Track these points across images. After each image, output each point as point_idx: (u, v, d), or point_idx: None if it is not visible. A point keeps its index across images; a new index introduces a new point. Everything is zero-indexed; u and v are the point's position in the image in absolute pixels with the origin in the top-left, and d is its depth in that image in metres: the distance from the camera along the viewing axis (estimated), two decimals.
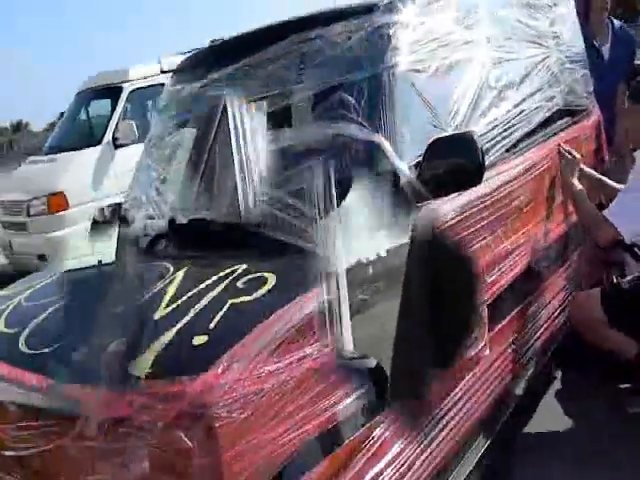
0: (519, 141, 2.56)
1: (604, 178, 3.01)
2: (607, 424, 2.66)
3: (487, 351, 2.17)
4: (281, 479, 1.50)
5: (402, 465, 1.80)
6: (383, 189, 1.91)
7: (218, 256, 1.97)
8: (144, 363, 1.52)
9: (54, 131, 7.88)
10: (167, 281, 1.87)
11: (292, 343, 1.55)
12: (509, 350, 2.39)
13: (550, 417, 2.76)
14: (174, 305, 1.73)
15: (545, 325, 2.71)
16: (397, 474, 1.78)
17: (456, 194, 2.01)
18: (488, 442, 2.22)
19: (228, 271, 1.80)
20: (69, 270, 2.41)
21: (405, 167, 1.93)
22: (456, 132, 2.03)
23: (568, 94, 3.08)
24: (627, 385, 2.83)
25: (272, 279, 1.71)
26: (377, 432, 1.73)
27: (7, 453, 1.68)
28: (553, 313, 2.78)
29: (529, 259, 2.50)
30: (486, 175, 2.23)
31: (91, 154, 6.46)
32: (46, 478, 1.65)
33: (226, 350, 1.48)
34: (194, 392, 1.41)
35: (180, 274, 1.90)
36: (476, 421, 2.13)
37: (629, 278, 2.88)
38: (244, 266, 1.82)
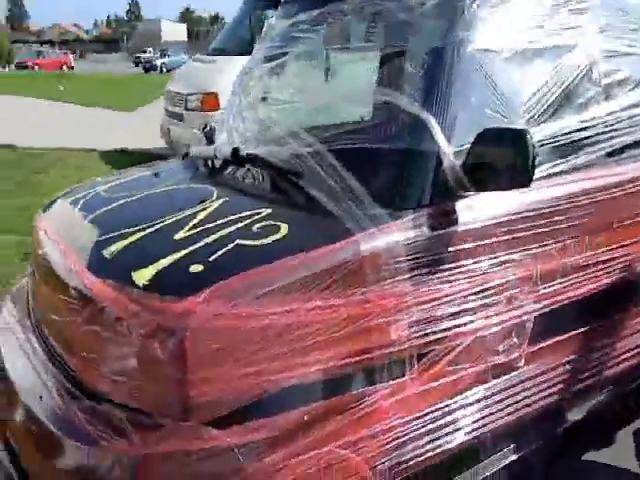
0: (623, 149, 2.37)
1: None
2: None
3: (521, 362, 2.10)
4: (246, 416, 1.60)
5: (386, 442, 1.79)
6: (421, 168, 1.90)
7: (256, 195, 2.08)
8: (146, 275, 1.69)
9: (220, 34, 8.25)
10: (203, 206, 2.01)
11: (282, 295, 1.61)
12: (557, 370, 2.21)
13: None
14: (195, 230, 1.86)
15: (618, 361, 2.47)
16: (381, 448, 1.78)
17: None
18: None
19: (253, 212, 1.89)
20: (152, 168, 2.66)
21: (450, 151, 1.87)
22: (509, 126, 1.92)
23: None
24: None
25: (285, 230, 1.78)
26: (368, 400, 1.74)
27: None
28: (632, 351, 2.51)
29: (606, 283, 2.28)
30: (566, 178, 2.18)
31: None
32: (67, 344, 1.90)
33: (213, 283, 1.60)
34: (175, 311, 1.55)
35: (216, 204, 2.01)
36: (494, 429, 2.03)
37: None
38: (269, 211, 1.90)
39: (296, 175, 1.99)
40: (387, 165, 1.95)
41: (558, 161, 2.14)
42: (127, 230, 1.92)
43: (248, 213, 1.89)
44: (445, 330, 1.86)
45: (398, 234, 1.79)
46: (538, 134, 2.07)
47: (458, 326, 1.89)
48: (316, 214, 1.86)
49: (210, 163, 2.37)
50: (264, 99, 2.44)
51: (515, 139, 1.81)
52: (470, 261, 1.90)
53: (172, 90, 7.57)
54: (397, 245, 1.78)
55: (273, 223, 1.82)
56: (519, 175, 1.82)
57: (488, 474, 2.10)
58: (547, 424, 2.26)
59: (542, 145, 2.10)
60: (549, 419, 2.26)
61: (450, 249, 1.87)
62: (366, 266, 1.72)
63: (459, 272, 1.88)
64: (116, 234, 1.91)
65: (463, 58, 1.94)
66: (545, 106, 2.10)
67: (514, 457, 2.18)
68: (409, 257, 1.80)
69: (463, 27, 1.94)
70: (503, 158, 1.82)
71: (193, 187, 2.26)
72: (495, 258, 1.96)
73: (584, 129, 2.19)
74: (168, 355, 1.55)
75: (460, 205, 1.90)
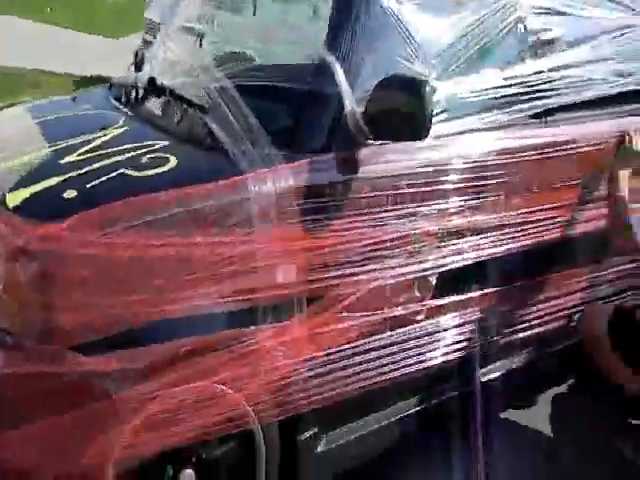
0: (551, 111, 2.34)
1: None
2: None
3: (421, 317, 2.10)
4: (116, 344, 1.61)
5: (269, 381, 1.80)
6: (321, 112, 1.89)
7: (160, 126, 2.08)
8: (18, 197, 1.71)
9: None
10: (104, 133, 2.02)
11: (156, 228, 1.62)
12: (465, 327, 2.21)
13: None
14: (84, 156, 1.87)
15: (536, 323, 2.44)
16: (264, 387, 1.80)
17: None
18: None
19: (149, 143, 1.90)
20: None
21: (352, 97, 1.86)
22: (409, 74, 1.90)
23: None
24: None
25: (173, 163, 1.79)
26: (249, 339, 1.76)
27: None
28: (552, 314, 2.47)
29: (523, 245, 2.26)
30: (484, 135, 2.16)
31: None
32: None
33: (82, 210, 1.61)
34: (37, 235, 1.57)
35: (116, 131, 2.03)
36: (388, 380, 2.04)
37: None
38: (165, 143, 1.91)
39: (201, 109, 1.98)
40: (288, 106, 1.95)
41: (475, 117, 2.12)
42: (20, 150, 1.94)
43: (144, 143, 1.90)
44: (337, 277, 1.88)
45: (292, 177, 1.80)
46: (453, 87, 2.06)
47: (352, 275, 1.90)
48: (211, 150, 1.86)
49: (129, 92, 2.35)
50: (187, 28, 2.42)
51: (414, 88, 1.80)
52: (369, 211, 1.91)
53: (147, 17, 7.30)
54: (290, 188, 1.79)
55: (163, 155, 1.83)
56: (416, 127, 1.82)
57: (385, 423, 2.14)
58: (455, 379, 2.29)
59: (460, 99, 2.10)
60: (456, 375, 2.28)
61: (348, 197, 1.88)
62: (252, 206, 1.73)
63: (356, 221, 1.89)
64: (9, 154, 1.93)
65: (373, 1, 1.92)
66: (463, 59, 2.08)
67: (416, 409, 2.22)
68: (302, 201, 1.81)
69: None
70: (401, 107, 1.81)
71: (102, 113, 2.26)
72: (397, 210, 1.96)
73: (506, 87, 2.16)
74: (29, 278, 1.58)
75: (362, 153, 1.90)
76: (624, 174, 2.42)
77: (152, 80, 2.20)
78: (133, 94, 2.31)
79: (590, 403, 2.66)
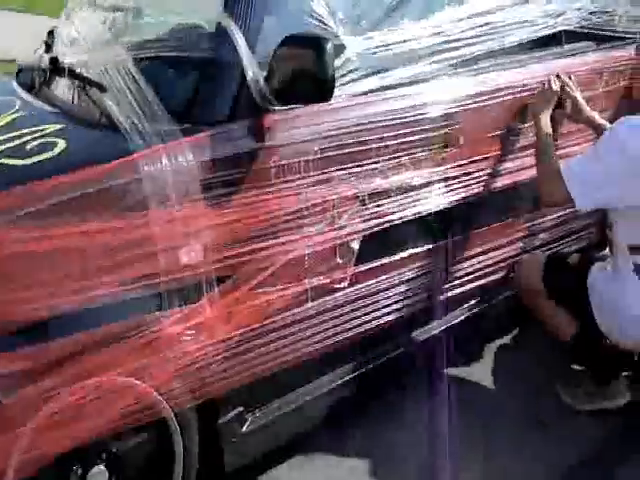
0: (478, 58, 2.21)
1: (597, 117, 2.52)
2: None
3: (345, 284, 2.01)
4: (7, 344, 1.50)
5: (180, 368, 1.70)
6: (221, 80, 1.75)
7: (58, 108, 1.94)
8: None
9: None
10: None
11: (40, 218, 1.49)
12: (395, 290, 2.14)
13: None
14: None
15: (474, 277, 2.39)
16: (175, 374, 1.71)
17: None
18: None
19: (39, 128, 1.75)
20: None
21: (253, 63, 1.71)
22: (310, 33, 1.76)
23: (596, 14, 2.59)
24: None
25: (61, 148, 1.65)
26: (153, 326, 1.64)
27: None
28: (480, 269, 2.41)
29: (453, 201, 2.18)
30: (402, 90, 2.02)
31: None
32: None
33: None
34: None
35: (10, 117, 1.87)
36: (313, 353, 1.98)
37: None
38: (58, 127, 1.76)
39: (99, 88, 1.84)
40: (188, 77, 1.81)
41: (394, 72, 2.00)
42: None
43: (34, 129, 1.75)
44: (249, 253, 1.78)
45: (191, 152, 1.67)
46: (367, 43, 1.93)
47: (265, 248, 1.80)
48: (106, 131, 1.72)
49: (34, 75, 2.18)
50: (92, 2, 2.23)
51: (313, 46, 1.66)
52: (280, 181, 1.80)
53: None
54: (188, 164, 1.66)
55: (53, 140, 1.69)
56: (319, 87, 1.69)
57: (316, 395, 2.08)
58: (390, 343, 2.23)
59: (375, 54, 1.96)
60: (391, 338, 2.22)
61: (255, 168, 1.76)
62: (145, 186, 1.61)
63: (265, 193, 1.78)
64: None
65: None
66: (377, 11, 1.95)
67: (350, 376, 2.16)
68: (204, 177, 1.68)
69: None
70: (301, 68, 1.68)
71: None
72: (310, 177, 1.86)
73: (426, 37, 2.03)
74: None
75: (269, 120, 1.77)
76: (546, 117, 2.32)
77: (54, 60, 2.02)
78: (37, 77, 2.13)
79: (531, 354, 2.66)
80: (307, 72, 1.67)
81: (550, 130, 2.32)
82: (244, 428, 1.92)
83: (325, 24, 1.85)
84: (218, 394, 1.82)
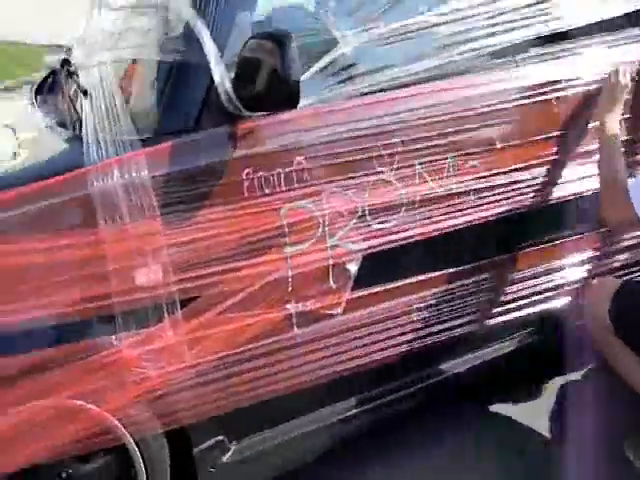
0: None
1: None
2: None
3: (338, 310, 1.79)
4: None
5: (139, 393, 1.60)
6: (187, 85, 1.60)
7: (48, 115, 1.89)
8: None
9: None
10: None
11: None
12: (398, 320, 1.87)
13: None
14: None
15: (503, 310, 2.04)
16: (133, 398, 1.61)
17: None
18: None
19: (19, 135, 1.74)
20: None
21: (221, 66, 1.54)
22: (273, 32, 1.54)
23: None
24: None
25: (22, 158, 1.62)
26: (107, 349, 1.54)
27: None
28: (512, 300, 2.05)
29: (485, 216, 1.87)
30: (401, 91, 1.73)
31: None
32: None
33: None
34: None
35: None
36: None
37: None
38: (30, 136, 1.74)
39: (84, 93, 1.76)
40: (154, 81, 1.69)
41: (397, 69, 1.73)
42: None
43: (14, 136, 1.74)
44: (217, 274, 1.62)
45: (150, 164, 1.55)
46: (362, 36, 1.69)
47: (236, 269, 1.64)
48: (70, 142, 1.66)
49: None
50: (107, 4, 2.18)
51: (275, 45, 1.46)
52: (253, 195, 1.63)
53: None
54: (144, 178, 1.55)
55: (16, 151, 1.65)
56: (282, 92, 1.49)
57: (309, 430, 1.89)
58: (399, 379, 1.97)
59: (374, 50, 1.72)
60: (400, 374, 1.96)
61: (225, 181, 1.61)
62: (96, 202, 1.52)
63: (237, 208, 1.62)
64: None
65: None
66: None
67: (357, 410, 1.95)
68: (165, 191, 1.56)
69: None
70: (263, 71, 1.49)
71: None
72: (293, 190, 1.67)
73: (439, 25, 1.74)
74: None
75: (241, 128, 1.61)
76: (613, 119, 1.90)
77: (66, 61, 2.01)
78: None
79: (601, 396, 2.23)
80: (270, 75, 1.49)
81: (618, 135, 1.90)
82: (225, 458, 1.80)
83: (318, 18, 1.66)
84: (191, 421, 1.71)
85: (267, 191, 1.63)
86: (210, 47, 1.56)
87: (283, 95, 1.50)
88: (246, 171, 1.61)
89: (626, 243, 2.13)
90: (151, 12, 1.81)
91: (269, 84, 1.49)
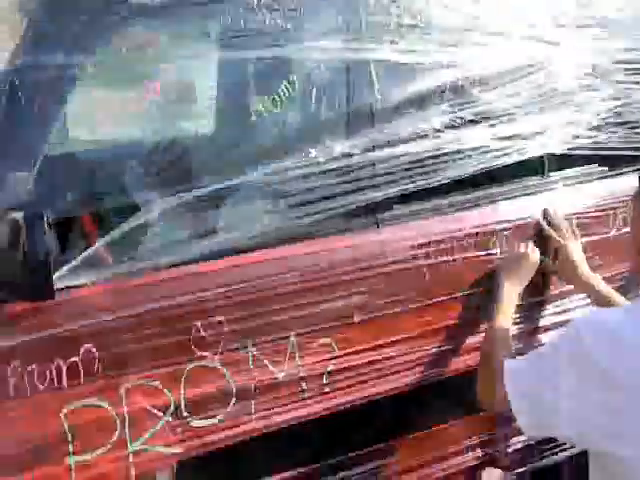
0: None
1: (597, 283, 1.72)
2: None
3: None
4: None
5: None
6: None
7: None
8: None
9: None
10: None
11: None
12: None
13: None
14: None
15: None
16: None
17: None
18: None
19: None
20: None
21: None
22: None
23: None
24: None
25: None
26: None
27: None
28: None
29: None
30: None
31: None
32: None
33: None
34: None
35: None
36: None
37: None
38: None
39: None
40: None
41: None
42: None
43: None
44: None
45: None
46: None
47: None
48: None
49: None
50: None
51: (21, 223, 1.16)
52: (26, 393, 1.28)
53: None
54: None
55: None
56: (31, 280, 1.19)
57: None
58: None
59: None
60: None
61: None
62: None
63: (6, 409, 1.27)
64: None
65: None
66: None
67: None
68: None
69: None
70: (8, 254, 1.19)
71: None
72: (80, 385, 1.32)
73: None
74: None
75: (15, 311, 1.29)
76: (513, 292, 1.65)
77: None
78: None
79: None
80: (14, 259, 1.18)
81: (512, 314, 1.61)
82: None
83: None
84: None
85: (41, 388, 1.31)
86: None
87: (32, 283, 1.19)
88: (12, 364, 1.29)
89: None
90: None
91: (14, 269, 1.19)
